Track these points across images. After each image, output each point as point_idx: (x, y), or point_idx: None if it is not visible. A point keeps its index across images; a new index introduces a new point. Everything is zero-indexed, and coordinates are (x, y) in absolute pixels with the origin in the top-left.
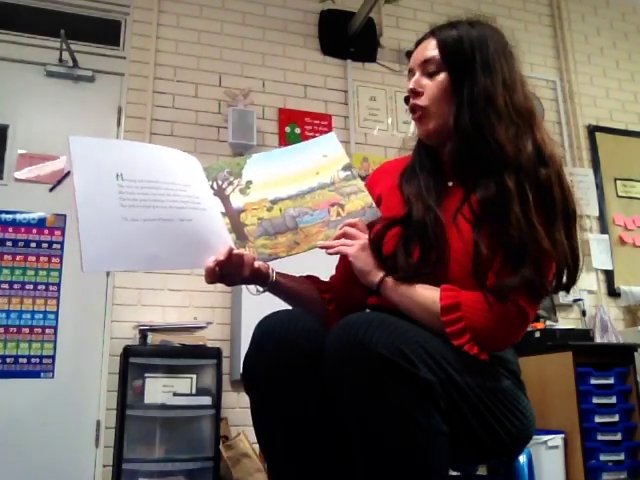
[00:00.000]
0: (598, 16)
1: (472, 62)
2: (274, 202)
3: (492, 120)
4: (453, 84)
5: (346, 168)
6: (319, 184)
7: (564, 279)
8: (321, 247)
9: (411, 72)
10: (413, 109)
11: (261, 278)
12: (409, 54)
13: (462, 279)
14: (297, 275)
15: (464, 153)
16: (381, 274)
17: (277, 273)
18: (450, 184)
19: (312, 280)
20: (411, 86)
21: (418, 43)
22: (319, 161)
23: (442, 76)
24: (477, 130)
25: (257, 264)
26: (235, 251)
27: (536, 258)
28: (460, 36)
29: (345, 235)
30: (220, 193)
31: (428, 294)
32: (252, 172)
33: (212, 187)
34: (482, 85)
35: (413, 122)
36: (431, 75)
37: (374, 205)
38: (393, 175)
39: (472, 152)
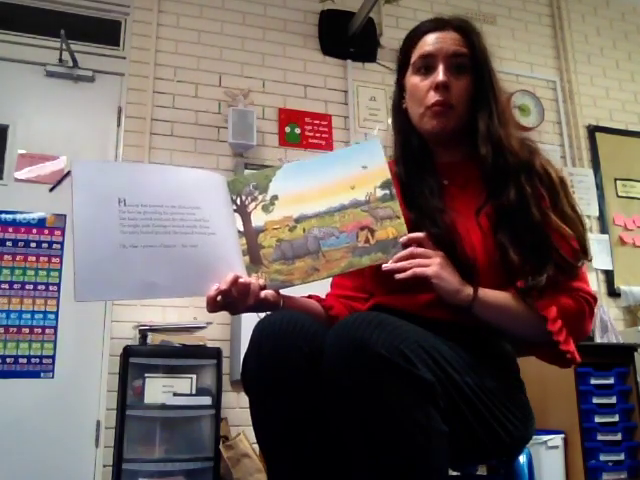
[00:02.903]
0: (598, 16)
1: (489, 68)
2: (298, 221)
3: (510, 130)
4: (476, 88)
5: (385, 186)
6: (352, 201)
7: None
8: (388, 271)
9: (429, 57)
10: (442, 103)
11: (268, 307)
12: (417, 34)
13: (488, 278)
14: (302, 296)
15: (497, 161)
16: (471, 290)
17: (285, 298)
18: (446, 183)
19: (316, 300)
20: (444, 79)
21: (433, 29)
22: (357, 173)
23: (468, 78)
24: (504, 141)
25: (263, 294)
26: (241, 280)
27: (560, 250)
28: (479, 39)
29: (413, 255)
30: (242, 210)
31: (523, 306)
32: (280, 185)
33: (235, 202)
34: (499, 95)
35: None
36: (458, 72)
37: (406, 237)
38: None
39: (502, 159)
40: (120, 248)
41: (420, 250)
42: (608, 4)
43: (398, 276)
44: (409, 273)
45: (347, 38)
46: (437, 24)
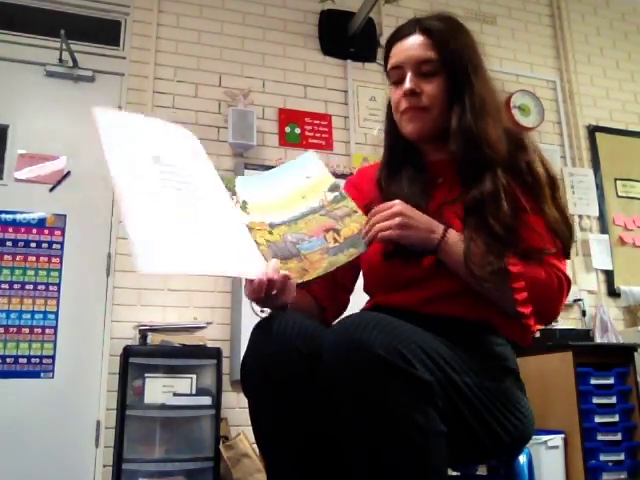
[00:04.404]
0: (598, 16)
1: (466, 65)
2: (271, 226)
3: (488, 122)
4: (451, 87)
5: (333, 188)
6: (309, 209)
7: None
8: (366, 239)
9: (399, 68)
10: (412, 108)
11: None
12: (389, 44)
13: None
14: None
15: (468, 154)
16: (441, 230)
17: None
18: (440, 180)
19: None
20: (410, 86)
21: (400, 37)
22: (303, 184)
23: (441, 79)
24: (478, 133)
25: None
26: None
27: (529, 240)
28: (452, 36)
29: (372, 218)
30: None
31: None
32: (244, 193)
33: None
34: (477, 89)
35: (401, 119)
36: (427, 76)
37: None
38: (374, 182)
39: (474, 153)
40: (172, 215)
41: (375, 210)
42: (608, 4)
43: (368, 238)
44: (371, 235)
45: (347, 38)
46: (404, 31)
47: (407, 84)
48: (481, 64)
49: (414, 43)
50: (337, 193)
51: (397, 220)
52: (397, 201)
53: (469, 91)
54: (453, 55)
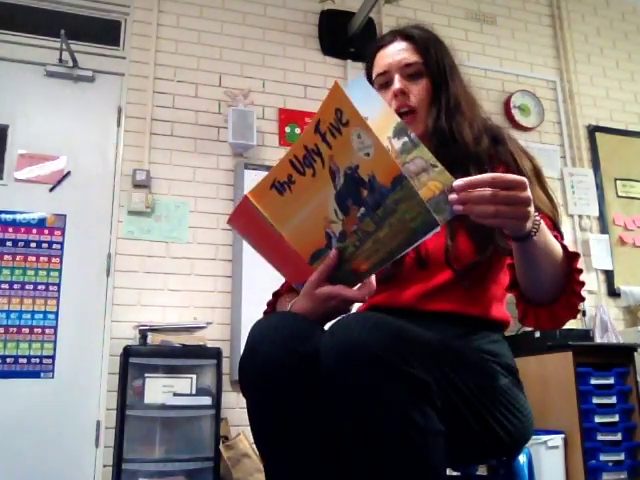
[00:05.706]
0: (598, 16)
1: (444, 68)
2: None
3: (459, 121)
4: (433, 89)
5: (399, 132)
6: None
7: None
8: (454, 208)
9: (385, 74)
10: (402, 107)
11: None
12: (371, 54)
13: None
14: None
15: (441, 153)
16: (532, 214)
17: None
18: None
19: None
20: (400, 86)
21: (383, 45)
22: None
23: (425, 81)
24: (451, 132)
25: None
26: None
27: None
28: (431, 42)
29: (496, 198)
30: None
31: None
32: None
33: None
34: (452, 90)
35: None
36: (413, 77)
37: (462, 181)
38: None
39: (447, 152)
40: None
41: (500, 180)
42: (608, 4)
43: (482, 221)
44: (469, 210)
45: (347, 38)
46: (387, 39)
47: (396, 84)
48: (456, 67)
49: (398, 49)
50: (406, 139)
51: (524, 211)
52: (526, 181)
53: (445, 93)
54: (433, 59)
